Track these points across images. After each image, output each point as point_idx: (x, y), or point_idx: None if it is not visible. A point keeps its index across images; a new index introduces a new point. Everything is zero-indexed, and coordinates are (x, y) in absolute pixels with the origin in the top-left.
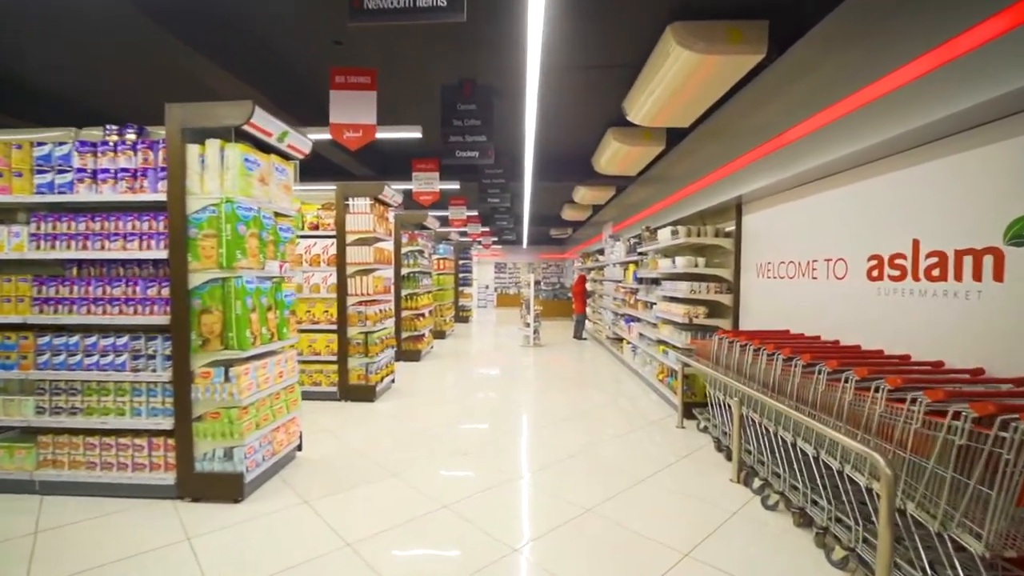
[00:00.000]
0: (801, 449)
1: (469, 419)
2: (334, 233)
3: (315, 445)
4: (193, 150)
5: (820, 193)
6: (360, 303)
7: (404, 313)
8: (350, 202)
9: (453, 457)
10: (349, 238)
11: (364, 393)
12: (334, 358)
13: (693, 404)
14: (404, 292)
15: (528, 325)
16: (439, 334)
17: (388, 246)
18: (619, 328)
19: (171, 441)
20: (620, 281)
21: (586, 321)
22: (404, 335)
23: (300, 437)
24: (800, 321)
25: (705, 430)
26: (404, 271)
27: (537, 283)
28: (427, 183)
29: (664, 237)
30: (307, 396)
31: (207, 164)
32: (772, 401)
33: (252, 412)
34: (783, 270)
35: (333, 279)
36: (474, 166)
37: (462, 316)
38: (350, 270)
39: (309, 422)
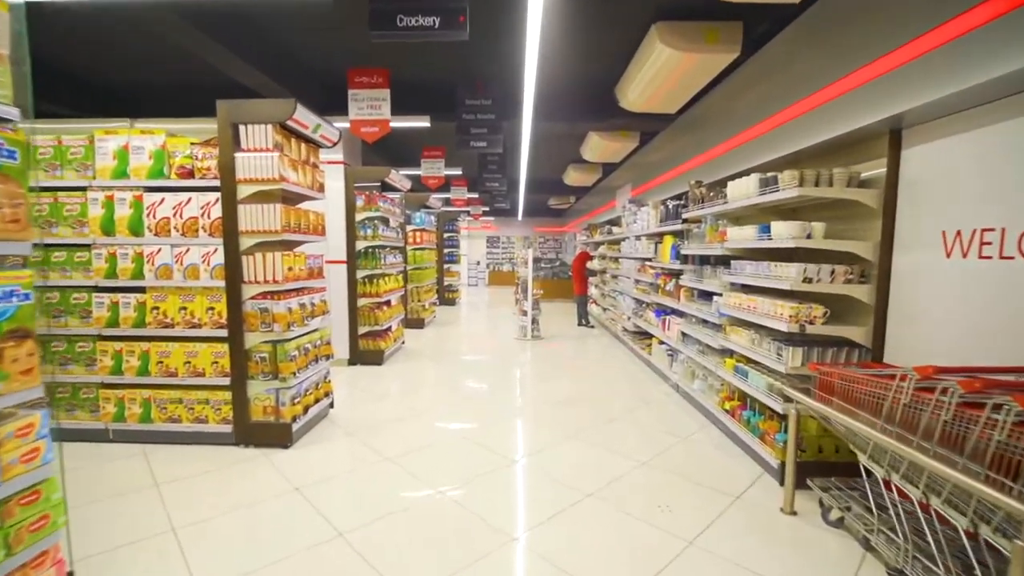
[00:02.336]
0: None
1: (431, 506)
2: (218, 183)
3: None
4: None
5: None
6: (264, 295)
7: (361, 302)
8: (243, 133)
9: None
10: (242, 191)
11: (274, 435)
12: (225, 380)
13: (801, 464)
14: (360, 274)
15: (525, 313)
16: (415, 323)
17: (322, 208)
18: (645, 321)
19: None
20: (649, 259)
21: (590, 304)
22: (361, 330)
23: None
24: None
25: (840, 524)
26: (360, 245)
27: (537, 260)
28: (371, 107)
29: (742, 192)
30: (187, 439)
31: None
32: None
33: None
34: None
35: (220, 258)
36: (450, 92)
37: (448, 298)
38: (245, 243)
39: (153, 500)
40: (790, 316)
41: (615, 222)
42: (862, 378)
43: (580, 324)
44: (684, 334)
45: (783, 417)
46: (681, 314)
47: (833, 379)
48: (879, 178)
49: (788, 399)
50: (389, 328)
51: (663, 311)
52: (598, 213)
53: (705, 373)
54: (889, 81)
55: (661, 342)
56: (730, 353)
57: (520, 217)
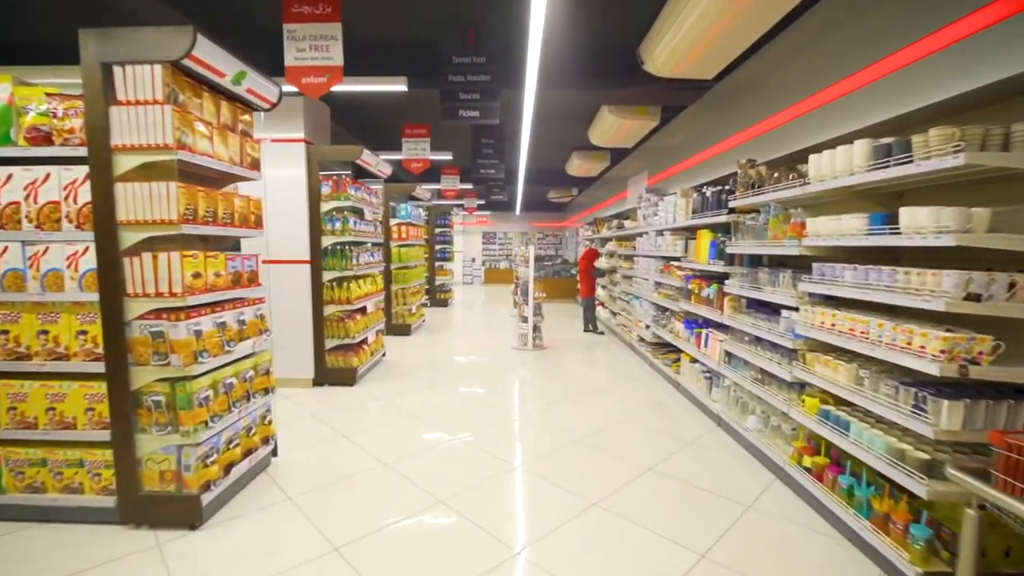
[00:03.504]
0: None
1: None
2: (85, 153)
3: None
4: None
5: None
6: (158, 314)
7: (328, 310)
8: (119, 78)
9: None
10: (121, 163)
11: (176, 511)
12: (105, 435)
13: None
14: (327, 276)
15: (525, 320)
16: (400, 329)
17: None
18: (671, 332)
19: None
20: (677, 258)
21: (597, 307)
22: (330, 344)
23: None
24: None
25: None
26: (326, 242)
27: (539, 259)
28: (316, 48)
29: (838, 166)
30: (56, 516)
31: None
32: None
33: None
34: None
35: (92, 260)
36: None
37: (440, 298)
38: (129, 238)
39: None
40: (941, 351)
41: (626, 215)
42: None
43: (587, 330)
44: (729, 354)
45: (912, 493)
46: (724, 328)
47: None
48: None
49: (936, 476)
50: (364, 341)
51: (696, 322)
52: (604, 206)
53: (766, 410)
54: None
55: (694, 359)
56: (802, 387)
57: (518, 212)
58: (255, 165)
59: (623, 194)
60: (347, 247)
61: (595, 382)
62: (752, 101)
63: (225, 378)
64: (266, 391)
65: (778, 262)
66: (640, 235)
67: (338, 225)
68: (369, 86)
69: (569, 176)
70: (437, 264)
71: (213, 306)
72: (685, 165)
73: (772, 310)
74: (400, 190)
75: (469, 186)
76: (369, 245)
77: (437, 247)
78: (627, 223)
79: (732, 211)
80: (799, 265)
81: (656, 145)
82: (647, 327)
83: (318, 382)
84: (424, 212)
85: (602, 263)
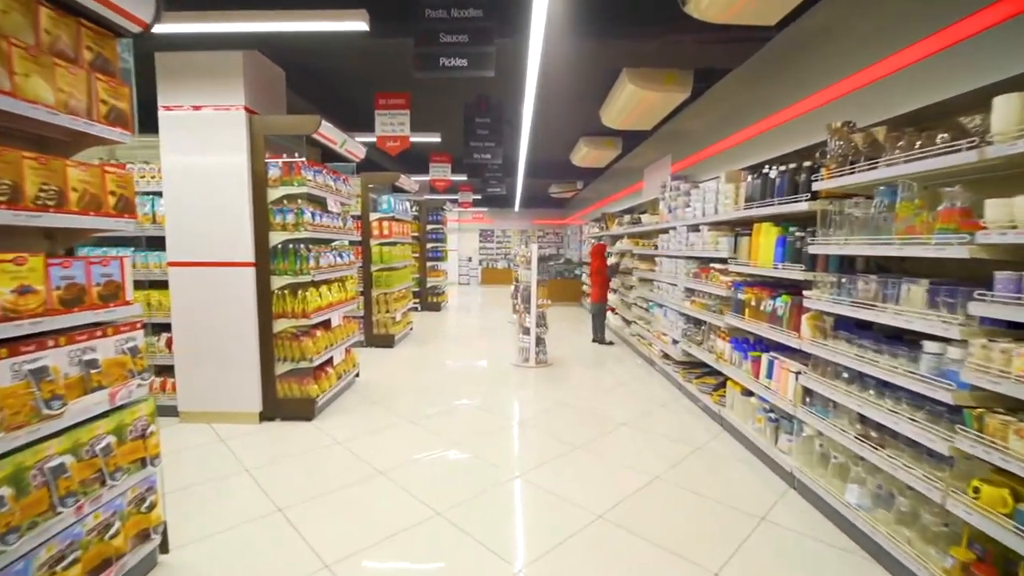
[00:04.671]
0: None
1: None
2: None
3: None
4: None
5: None
6: None
7: (280, 325)
8: None
9: None
10: None
11: None
12: None
13: None
14: (277, 283)
15: (526, 331)
16: (382, 341)
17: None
18: (711, 351)
19: None
20: (724, 260)
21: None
22: (281, 369)
23: None
24: None
25: None
26: (275, 239)
27: (542, 259)
28: None
29: None
30: None
31: None
32: None
33: None
34: None
35: None
36: None
37: (432, 302)
38: None
39: None
40: None
41: (642, 209)
42: None
43: (596, 339)
44: (810, 391)
45: None
46: (798, 353)
47: None
48: None
49: None
50: (328, 362)
51: (748, 343)
52: (613, 200)
53: (884, 483)
54: None
55: (747, 391)
56: (959, 460)
57: (517, 207)
58: (119, 119)
59: (637, 185)
60: (303, 245)
61: (615, 413)
62: (837, 48)
63: (43, 460)
64: (143, 463)
65: (877, 266)
66: (664, 231)
67: (290, 218)
68: (312, 23)
69: (574, 167)
70: (429, 264)
71: (19, 343)
72: (727, 144)
73: (886, 336)
74: (381, 179)
75: (462, 177)
76: (347, 243)
77: (429, 246)
78: (644, 218)
79: (815, 196)
80: (909, 271)
81: (680, 128)
82: (674, 342)
83: (267, 416)
84: (413, 207)
85: (611, 263)
